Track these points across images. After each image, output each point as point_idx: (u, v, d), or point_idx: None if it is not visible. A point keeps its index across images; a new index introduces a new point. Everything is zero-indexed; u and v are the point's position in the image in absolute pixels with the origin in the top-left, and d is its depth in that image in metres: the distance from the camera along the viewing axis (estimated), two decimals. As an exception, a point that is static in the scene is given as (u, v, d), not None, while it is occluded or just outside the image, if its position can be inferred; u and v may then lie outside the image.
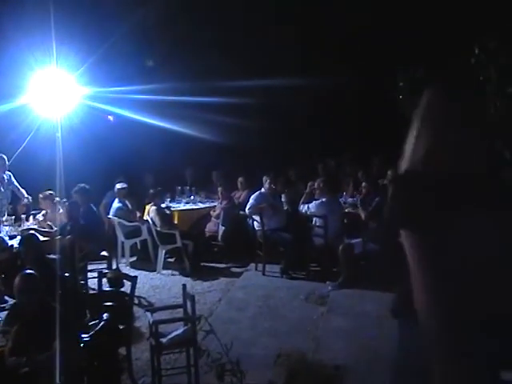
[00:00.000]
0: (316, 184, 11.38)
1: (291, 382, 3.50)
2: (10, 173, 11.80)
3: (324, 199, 11.10)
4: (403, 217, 2.91)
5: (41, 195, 11.12)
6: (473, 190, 2.81)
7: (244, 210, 12.03)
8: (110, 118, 14.91)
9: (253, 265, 11.74)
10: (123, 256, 12.26)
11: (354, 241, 10.56)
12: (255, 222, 11.67)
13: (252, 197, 11.84)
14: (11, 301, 6.48)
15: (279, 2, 14.73)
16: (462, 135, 2.91)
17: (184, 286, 7.07)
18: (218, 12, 14.73)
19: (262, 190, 11.89)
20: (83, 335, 5.86)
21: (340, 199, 12.27)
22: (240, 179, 13.72)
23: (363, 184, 12.21)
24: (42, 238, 8.59)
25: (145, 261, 12.21)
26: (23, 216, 11.12)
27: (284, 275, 11.07)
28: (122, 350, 6.80)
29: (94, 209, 11.10)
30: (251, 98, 14.85)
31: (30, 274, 5.97)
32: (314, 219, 11.26)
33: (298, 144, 15.58)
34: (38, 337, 5.33)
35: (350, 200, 12.77)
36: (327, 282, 10.41)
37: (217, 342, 5.29)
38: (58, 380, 5.00)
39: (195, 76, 14.28)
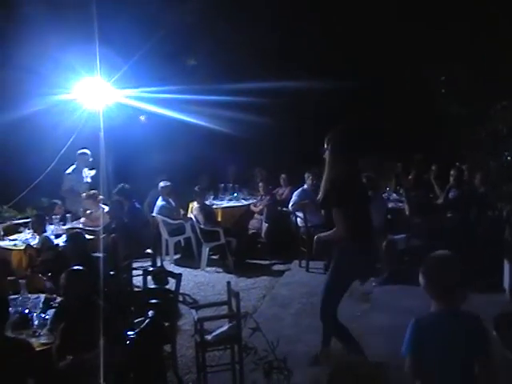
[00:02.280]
0: (360, 180, 11.36)
1: (334, 379, 3.48)
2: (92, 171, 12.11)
3: (367, 195, 11.08)
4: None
5: (84, 194, 11.26)
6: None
7: (287, 207, 12.05)
8: (142, 118, 15.01)
9: (296, 261, 11.73)
10: (167, 254, 12.35)
11: (397, 237, 10.51)
12: (298, 219, 11.67)
13: (295, 193, 11.85)
14: (58, 299, 6.56)
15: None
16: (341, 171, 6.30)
17: (228, 283, 7.09)
18: (253, 12, 14.79)
19: (305, 186, 11.89)
20: (128, 333, 5.93)
21: (383, 195, 12.21)
22: (282, 176, 13.74)
23: (407, 179, 12.15)
24: (87, 237, 8.66)
25: (189, 258, 12.28)
26: (68, 215, 11.29)
27: (327, 271, 11.02)
28: (167, 347, 6.87)
29: (139, 207, 11.19)
30: (289, 97, 14.89)
31: (78, 270, 6.05)
32: (357, 215, 11.22)
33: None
34: (83, 334, 5.39)
35: (393, 195, 12.72)
36: (371, 279, 10.38)
37: (262, 339, 5.30)
38: (103, 378, 5.07)
39: (234, 75, 14.32)
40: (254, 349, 5.17)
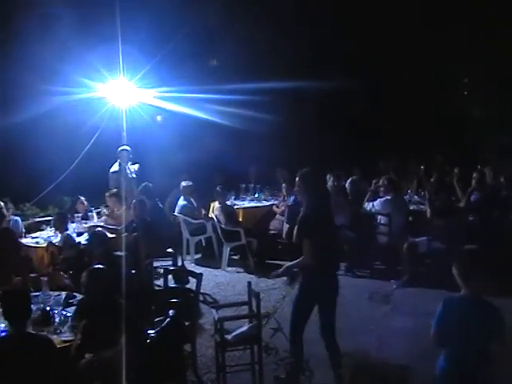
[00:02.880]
0: (381, 182, 11.34)
1: (355, 381, 3.49)
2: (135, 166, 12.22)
3: (389, 197, 11.04)
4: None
5: (107, 193, 11.31)
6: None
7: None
8: (159, 117, 15.03)
9: (317, 262, 11.69)
10: (188, 253, 12.36)
11: (418, 239, 10.48)
12: (319, 220, 11.64)
13: (316, 194, 11.81)
14: (79, 296, 6.60)
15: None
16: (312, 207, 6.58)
17: (249, 283, 7.10)
18: (274, 12, 14.81)
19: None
20: (149, 331, 5.94)
21: (405, 197, 12.18)
22: (304, 177, 13.70)
23: (430, 181, 12.12)
24: (108, 235, 8.70)
25: (209, 258, 12.29)
26: (90, 214, 11.34)
27: (348, 273, 11.00)
28: (187, 347, 6.87)
29: (161, 206, 11.21)
30: (310, 98, 14.90)
31: (99, 268, 6.08)
32: (379, 217, 11.20)
33: (360, 142, 15.54)
34: (104, 332, 5.41)
35: (415, 198, 12.68)
36: (391, 281, 10.35)
37: (283, 339, 5.31)
38: (124, 375, 5.08)
39: (256, 75, 14.34)
40: (275, 349, 5.17)
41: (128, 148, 12.26)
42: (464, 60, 14.00)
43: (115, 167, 12.34)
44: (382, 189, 11.28)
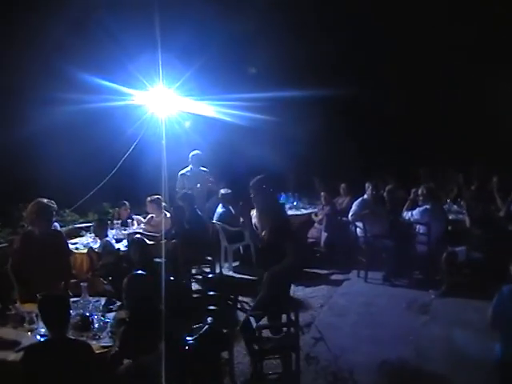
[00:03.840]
0: (420, 191, 11.27)
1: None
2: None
3: (428, 206, 10.98)
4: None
5: (149, 198, 11.37)
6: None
7: (346, 217, 11.99)
8: (187, 123, 15.07)
9: (355, 271, 11.66)
10: (226, 260, 12.39)
11: (457, 248, 10.38)
12: (358, 229, 11.60)
13: (355, 203, 11.78)
14: (118, 303, 6.65)
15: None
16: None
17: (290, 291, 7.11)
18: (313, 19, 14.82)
19: (365, 196, 11.82)
20: (187, 338, 5.97)
21: (444, 206, 12.10)
22: (342, 185, 13.67)
23: (469, 190, 12.03)
24: (148, 242, 8.75)
25: (247, 265, 12.28)
26: (129, 220, 11.43)
27: (386, 282, 10.97)
28: (225, 354, 6.89)
29: (200, 214, 11.23)
30: (349, 106, 14.89)
31: (139, 274, 6.13)
32: (418, 226, 11.14)
33: (399, 150, 15.46)
34: (143, 339, 5.44)
35: (454, 207, 12.59)
36: (430, 291, 10.27)
37: (322, 348, 5.30)
38: (162, 382, 5.11)
39: (294, 83, 14.36)
40: (316, 358, 5.18)
41: (200, 152, 12.27)
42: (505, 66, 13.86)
43: (185, 170, 12.37)
44: (420, 198, 11.22)
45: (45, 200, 7.94)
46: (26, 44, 12.60)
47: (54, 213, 8.08)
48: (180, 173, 12.24)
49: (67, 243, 8.43)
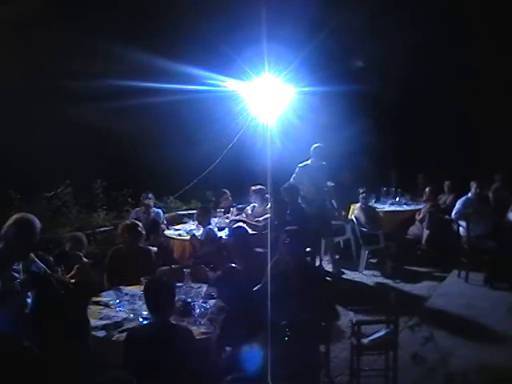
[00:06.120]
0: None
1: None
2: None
3: (535, 207, 10.73)
4: None
5: (252, 188, 11.44)
6: None
7: (449, 215, 11.81)
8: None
9: (455, 271, 11.44)
10: (326, 253, 12.36)
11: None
12: (461, 228, 11.41)
13: (458, 201, 11.59)
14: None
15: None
16: None
17: (389, 288, 7.06)
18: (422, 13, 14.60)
19: (469, 194, 11.61)
20: (286, 328, 5.99)
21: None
22: (446, 183, 13.49)
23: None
24: (249, 231, 8.79)
25: (347, 259, 12.25)
26: (232, 209, 11.53)
27: (487, 284, 10.74)
28: (322, 347, 6.89)
29: (303, 207, 11.15)
30: (456, 100, 14.64)
31: (232, 268, 6.25)
32: (523, 228, 10.90)
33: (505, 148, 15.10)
34: (243, 327, 5.49)
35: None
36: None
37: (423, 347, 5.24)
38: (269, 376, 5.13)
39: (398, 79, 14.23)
40: (424, 358, 5.11)
41: (321, 145, 12.12)
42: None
43: (305, 162, 12.26)
44: (527, 198, 10.98)
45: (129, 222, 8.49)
46: (133, 37, 12.86)
47: (143, 232, 8.34)
48: (299, 165, 12.08)
49: (155, 262, 8.54)
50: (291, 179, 11.59)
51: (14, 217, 6.14)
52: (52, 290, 5.37)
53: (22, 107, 12.45)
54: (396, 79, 14.76)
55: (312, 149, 11.79)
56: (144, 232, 8.27)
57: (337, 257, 11.97)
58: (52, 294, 5.34)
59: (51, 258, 6.95)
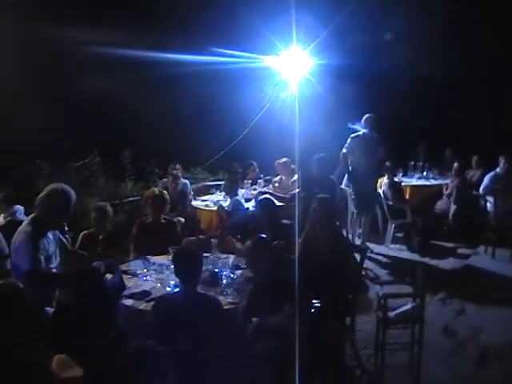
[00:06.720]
0: None
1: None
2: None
3: None
4: None
5: (278, 161, 11.45)
6: None
7: (477, 190, 11.75)
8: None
9: (482, 247, 11.39)
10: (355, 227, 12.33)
11: None
12: (488, 203, 11.35)
13: (486, 177, 11.55)
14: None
15: None
16: None
17: (416, 262, 7.04)
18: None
19: (498, 170, 11.55)
20: (314, 302, 6.02)
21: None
22: (474, 157, 13.39)
23: None
24: (276, 203, 8.79)
25: (373, 233, 12.20)
26: (260, 181, 11.54)
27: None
28: (347, 320, 6.91)
29: (332, 179, 11.04)
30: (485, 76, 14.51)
31: (263, 238, 6.21)
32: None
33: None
34: (271, 299, 5.52)
35: None
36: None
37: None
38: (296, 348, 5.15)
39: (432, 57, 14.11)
40: (455, 332, 5.10)
41: (372, 115, 11.89)
42: None
43: (356, 134, 12.06)
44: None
45: (156, 190, 8.32)
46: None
47: (168, 201, 8.21)
48: (351, 135, 11.88)
49: (180, 232, 8.48)
50: (343, 149, 11.53)
51: (50, 187, 6.19)
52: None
53: (49, 77, 12.48)
54: (426, 52, 14.62)
55: (363, 119, 11.60)
56: (169, 200, 8.22)
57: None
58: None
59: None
